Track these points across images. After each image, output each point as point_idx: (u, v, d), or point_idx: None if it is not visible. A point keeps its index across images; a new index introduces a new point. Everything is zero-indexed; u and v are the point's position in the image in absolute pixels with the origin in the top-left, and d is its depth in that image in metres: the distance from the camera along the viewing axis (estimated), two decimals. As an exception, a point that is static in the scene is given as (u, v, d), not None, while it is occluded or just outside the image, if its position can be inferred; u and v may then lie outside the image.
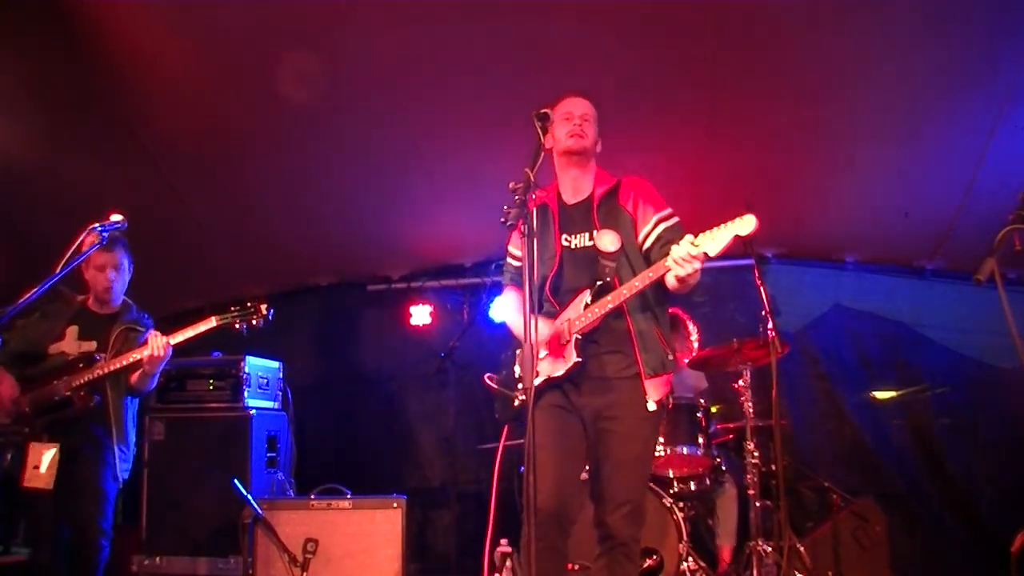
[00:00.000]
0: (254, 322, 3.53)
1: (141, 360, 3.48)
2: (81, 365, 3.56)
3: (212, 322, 3.50)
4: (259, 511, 4.24)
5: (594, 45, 4.04)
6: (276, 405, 5.33)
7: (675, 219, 2.87)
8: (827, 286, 5.74)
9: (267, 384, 5.26)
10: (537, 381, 2.71)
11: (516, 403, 2.89)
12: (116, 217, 3.32)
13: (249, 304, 3.52)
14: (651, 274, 2.66)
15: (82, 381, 3.51)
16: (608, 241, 2.83)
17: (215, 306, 6.41)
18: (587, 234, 2.90)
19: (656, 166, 4.75)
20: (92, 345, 3.67)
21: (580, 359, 2.74)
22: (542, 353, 2.83)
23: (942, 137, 4.46)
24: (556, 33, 3.97)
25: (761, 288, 3.99)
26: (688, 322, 4.95)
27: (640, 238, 2.87)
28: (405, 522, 4.35)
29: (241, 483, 4.33)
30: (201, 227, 5.36)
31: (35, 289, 3.13)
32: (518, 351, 2.98)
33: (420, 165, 4.93)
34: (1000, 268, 2.58)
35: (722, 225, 2.56)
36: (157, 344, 3.45)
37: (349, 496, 4.45)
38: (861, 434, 5.50)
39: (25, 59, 4.04)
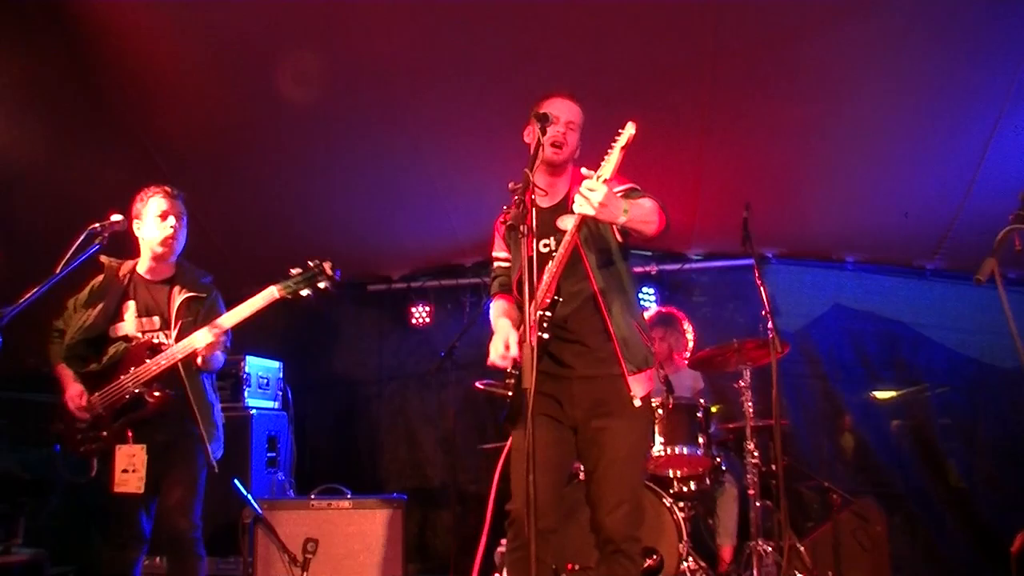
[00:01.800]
0: (321, 285, 3.20)
1: (183, 356, 3.25)
2: (147, 353, 3.28)
3: (274, 293, 3.20)
4: (259, 511, 4.24)
5: (593, 45, 4.04)
6: (276, 405, 5.34)
7: (631, 185, 2.87)
8: (827, 286, 5.75)
9: (267, 384, 5.27)
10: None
11: (508, 397, 2.83)
12: (116, 217, 3.31)
13: (312, 264, 3.19)
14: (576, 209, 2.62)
15: (150, 376, 3.25)
16: (569, 222, 2.79)
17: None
18: (555, 239, 2.85)
19: (655, 166, 4.76)
20: (154, 322, 3.39)
21: (543, 335, 2.68)
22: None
23: (942, 137, 4.46)
24: (555, 33, 3.97)
25: (761, 288, 3.99)
26: (684, 321, 4.96)
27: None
28: (405, 522, 4.35)
29: (241, 483, 4.33)
30: (201, 227, 5.35)
31: (35, 289, 3.13)
32: None
33: (420, 165, 4.93)
34: (1000, 268, 2.58)
35: (611, 148, 2.62)
36: (202, 342, 3.21)
37: (349, 496, 4.45)
38: (861, 434, 5.50)
39: (26, 60, 4.04)
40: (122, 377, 3.29)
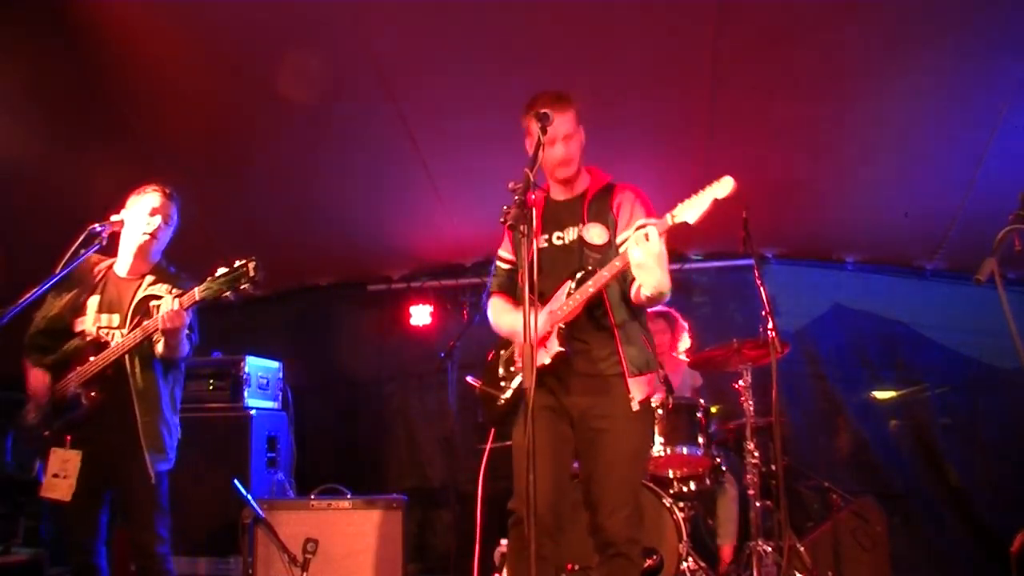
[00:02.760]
0: (243, 286, 2.99)
1: (151, 334, 3.08)
2: (92, 351, 3.15)
3: (194, 295, 3.04)
4: (259, 511, 4.24)
5: (594, 45, 4.04)
6: (276, 405, 5.33)
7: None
8: (827, 286, 5.75)
9: (267, 384, 5.26)
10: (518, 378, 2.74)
11: (501, 402, 2.84)
12: (116, 217, 3.31)
13: (237, 264, 3.01)
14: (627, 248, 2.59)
15: (89, 375, 3.11)
16: (596, 234, 2.82)
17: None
18: (574, 228, 2.87)
19: (655, 165, 4.76)
20: (112, 320, 3.24)
21: (563, 348, 2.70)
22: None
23: (942, 137, 4.46)
24: (556, 32, 3.97)
25: (761, 288, 3.99)
26: (679, 320, 4.96)
27: (620, 239, 2.84)
28: (405, 522, 4.35)
29: (241, 483, 4.32)
30: (201, 227, 5.35)
31: (35, 289, 3.13)
32: (502, 351, 2.98)
33: (420, 165, 4.93)
34: (1000, 268, 2.58)
35: (699, 192, 2.57)
36: (165, 316, 3.01)
37: (349, 496, 4.45)
38: (861, 434, 5.50)
39: (25, 59, 4.04)
40: (69, 375, 3.17)
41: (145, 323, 3.10)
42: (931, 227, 5.14)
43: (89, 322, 3.26)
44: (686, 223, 2.55)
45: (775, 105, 4.37)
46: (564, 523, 2.75)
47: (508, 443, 2.91)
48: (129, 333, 3.15)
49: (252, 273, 2.98)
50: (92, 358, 3.14)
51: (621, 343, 2.76)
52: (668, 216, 2.59)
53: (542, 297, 2.79)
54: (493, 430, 3.02)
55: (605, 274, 2.67)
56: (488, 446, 3.01)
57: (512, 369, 2.87)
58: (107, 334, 3.23)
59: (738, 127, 4.58)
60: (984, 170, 4.47)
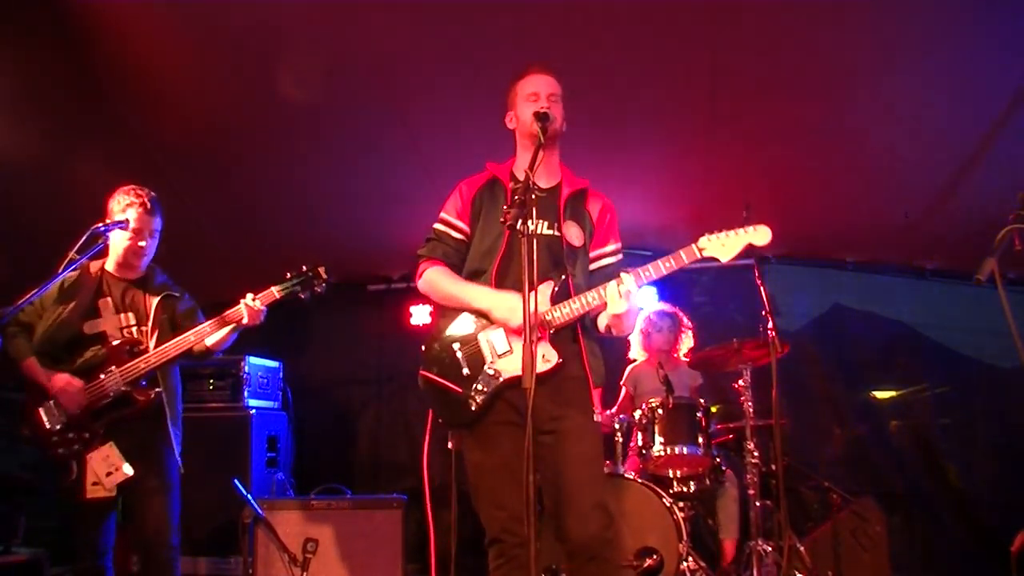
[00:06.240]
0: (317, 289, 3.41)
1: (196, 339, 3.27)
2: (127, 352, 3.26)
3: (274, 293, 3.32)
4: (259, 511, 4.24)
5: (594, 44, 4.04)
6: (276, 405, 5.34)
7: (621, 256, 2.88)
8: (827, 286, 5.75)
9: (267, 384, 5.27)
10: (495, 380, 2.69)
11: (474, 407, 2.66)
12: (120, 218, 3.31)
13: (306, 268, 3.38)
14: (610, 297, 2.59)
15: (137, 374, 3.22)
16: (575, 235, 2.76)
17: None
18: (546, 222, 2.75)
19: (655, 165, 4.76)
20: (130, 318, 3.36)
21: (561, 359, 2.62)
22: (504, 348, 2.67)
23: (942, 137, 4.46)
24: (556, 32, 3.97)
25: (761, 288, 3.99)
26: (684, 321, 4.95)
27: (594, 254, 2.84)
28: (405, 522, 4.36)
29: (241, 483, 4.33)
30: (201, 227, 5.36)
31: (36, 289, 3.13)
32: (455, 345, 2.74)
33: (420, 165, 4.93)
34: (1000, 268, 2.58)
35: (733, 231, 2.54)
36: (250, 313, 3.24)
37: (349, 496, 4.45)
38: (861, 434, 5.50)
39: (25, 59, 4.04)
40: (102, 376, 3.22)
41: (223, 316, 3.29)
42: (931, 227, 5.14)
43: (109, 323, 3.34)
44: (716, 260, 2.56)
45: (775, 105, 4.37)
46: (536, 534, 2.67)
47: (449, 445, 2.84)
48: (155, 329, 3.32)
49: (324, 276, 3.40)
50: (128, 358, 3.25)
51: (587, 354, 2.72)
52: (694, 248, 2.58)
53: (508, 283, 2.71)
54: (432, 415, 2.89)
55: (592, 300, 2.64)
56: (428, 432, 2.94)
57: (490, 370, 2.67)
58: (132, 333, 3.35)
59: (738, 127, 4.58)
60: (984, 170, 4.47)
